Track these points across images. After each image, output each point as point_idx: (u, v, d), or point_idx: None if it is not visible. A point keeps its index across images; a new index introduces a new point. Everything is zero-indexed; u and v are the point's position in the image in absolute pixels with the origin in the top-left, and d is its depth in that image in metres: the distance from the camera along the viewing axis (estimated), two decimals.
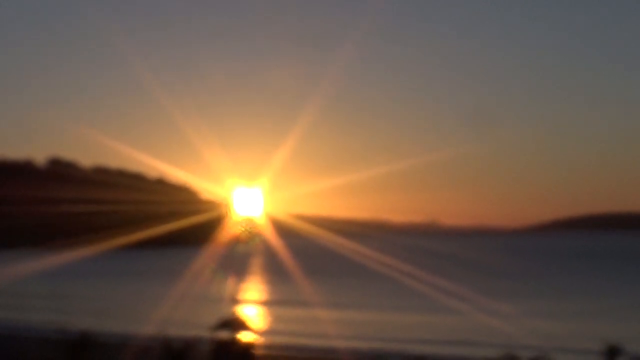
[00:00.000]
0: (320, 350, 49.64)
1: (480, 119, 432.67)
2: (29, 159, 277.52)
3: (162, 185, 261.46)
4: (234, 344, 40.21)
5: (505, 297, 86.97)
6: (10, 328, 60.35)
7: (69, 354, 37.67)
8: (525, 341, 49.38)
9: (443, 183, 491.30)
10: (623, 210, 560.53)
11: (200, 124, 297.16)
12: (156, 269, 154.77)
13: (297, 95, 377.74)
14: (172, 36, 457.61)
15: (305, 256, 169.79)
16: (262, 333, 55.95)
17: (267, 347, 49.73)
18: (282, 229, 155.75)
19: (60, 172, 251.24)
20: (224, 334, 40.40)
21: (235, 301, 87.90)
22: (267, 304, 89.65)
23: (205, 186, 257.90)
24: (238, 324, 40.97)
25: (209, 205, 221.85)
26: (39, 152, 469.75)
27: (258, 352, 42.10)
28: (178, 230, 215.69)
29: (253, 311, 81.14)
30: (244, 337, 40.68)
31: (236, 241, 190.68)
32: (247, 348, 40.62)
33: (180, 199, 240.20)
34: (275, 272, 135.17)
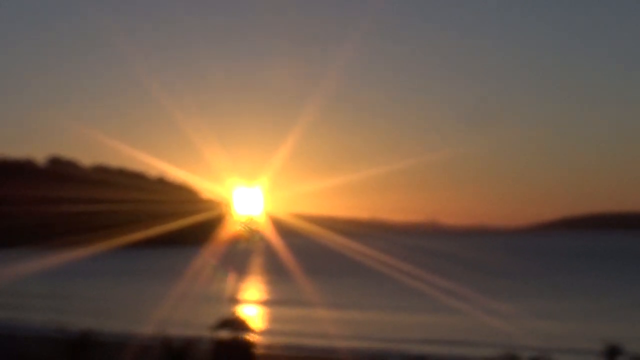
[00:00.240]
0: (320, 350, 49.65)
1: (480, 118, 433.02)
2: (29, 158, 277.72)
3: (162, 184, 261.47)
4: (234, 343, 40.21)
5: (505, 296, 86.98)
6: (10, 328, 60.34)
7: (69, 354, 37.67)
8: (525, 341, 49.39)
9: (443, 183, 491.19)
10: (623, 210, 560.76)
11: (200, 123, 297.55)
12: (156, 268, 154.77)
13: (297, 94, 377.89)
14: (172, 36, 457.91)
15: (306, 255, 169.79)
16: (262, 333, 55.96)
17: (267, 347, 49.74)
18: (282, 228, 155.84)
19: (60, 171, 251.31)
20: (224, 334, 40.40)
21: (235, 301, 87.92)
22: (267, 303, 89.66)
23: (205, 185, 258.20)
24: (238, 324, 40.97)
25: (209, 204, 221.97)
26: (39, 152, 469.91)
27: (258, 351, 42.10)
28: (178, 229, 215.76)
29: (253, 311, 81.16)
30: (244, 336, 40.68)
31: (236, 240, 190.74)
32: (247, 348, 40.62)
33: (181, 198, 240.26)
34: (275, 271, 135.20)
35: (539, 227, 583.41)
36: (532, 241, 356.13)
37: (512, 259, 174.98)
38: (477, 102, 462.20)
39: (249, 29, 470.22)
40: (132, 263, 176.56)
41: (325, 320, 64.67)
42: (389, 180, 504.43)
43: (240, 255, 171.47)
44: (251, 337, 41.28)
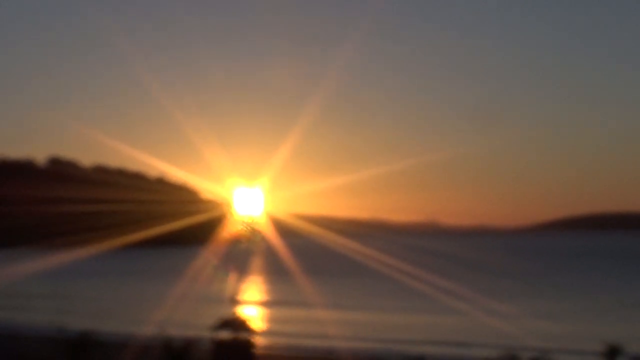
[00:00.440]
0: (321, 350, 49.65)
1: (481, 118, 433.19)
2: (29, 158, 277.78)
3: (162, 184, 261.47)
4: (234, 344, 40.22)
5: (505, 297, 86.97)
6: (11, 328, 60.35)
7: (69, 354, 37.70)
8: (526, 342, 49.38)
9: (443, 183, 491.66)
10: (623, 210, 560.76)
11: (200, 123, 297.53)
12: (157, 268, 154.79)
13: (297, 94, 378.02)
14: (172, 36, 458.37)
15: (306, 256, 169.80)
16: (262, 333, 55.96)
17: (268, 347, 49.76)
18: (283, 229, 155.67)
19: (60, 171, 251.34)
20: (224, 334, 40.41)
21: (235, 301, 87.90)
22: (267, 304, 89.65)
23: (205, 185, 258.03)
24: (238, 324, 40.98)
25: (210, 204, 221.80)
26: (39, 152, 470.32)
27: (258, 352, 42.11)
28: (178, 229, 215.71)
29: (253, 311, 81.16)
30: (244, 337, 40.69)
31: (237, 240, 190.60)
32: (248, 348, 40.63)
33: (181, 198, 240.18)
34: (275, 271, 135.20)
35: (539, 227, 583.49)
36: (532, 241, 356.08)
37: (512, 259, 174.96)
38: (477, 102, 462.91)
39: (249, 29, 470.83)
40: (132, 263, 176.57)
41: (326, 321, 64.66)
42: (389, 180, 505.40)
43: (241, 255, 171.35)
44: (251, 338, 41.29)
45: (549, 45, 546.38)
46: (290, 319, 73.09)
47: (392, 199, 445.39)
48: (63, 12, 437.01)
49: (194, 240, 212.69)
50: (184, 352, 36.45)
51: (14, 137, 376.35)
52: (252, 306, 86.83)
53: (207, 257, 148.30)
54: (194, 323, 56.51)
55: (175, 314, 66.47)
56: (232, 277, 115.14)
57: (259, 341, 45.72)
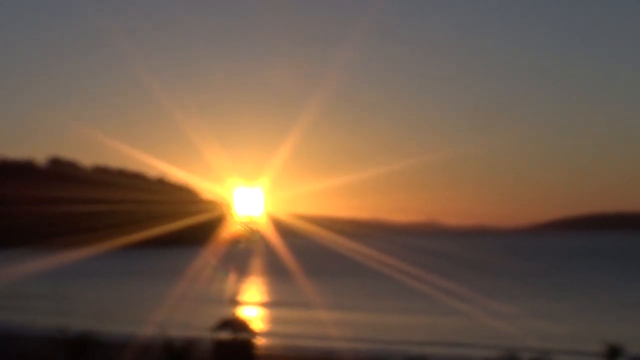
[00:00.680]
0: (321, 351, 49.62)
1: (481, 118, 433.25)
2: (29, 158, 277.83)
3: (162, 185, 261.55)
4: (234, 344, 40.20)
5: (505, 297, 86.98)
6: (11, 328, 60.32)
7: (69, 354, 37.68)
8: (526, 342, 49.37)
9: (443, 183, 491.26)
10: (623, 210, 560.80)
11: (200, 123, 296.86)
12: (157, 268, 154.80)
13: (297, 94, 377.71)
14: (172, 36, 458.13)
15: (306, 256, 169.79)
16: (262, 334, 55.93)
17: (268, 348, 49.73)
18: (283, 229, 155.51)
19: (60, 171, 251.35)
20: (224, 335, 40.39)
21: (235, 302, 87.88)
22: (267, 304, 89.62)
23: (205, 186, 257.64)
24: (238, 325, 40.97)
25: (210, 205, 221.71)
26: (39, 152, 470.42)
27: (258, 352, 42.09)
28: (179, 230, 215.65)
29: (253, 312, 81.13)
30: (244, 337, 40.67)
31: (237, 241, 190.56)
32: (248, 348, 40.61)
33: (181, 198, 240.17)
34: (275, 272, 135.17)
35: (539, 227, 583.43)
36: (532, 241, 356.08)
37: (512, 259, 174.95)
38: (477, 102, 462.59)
39: (249, 29, 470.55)
40: (132, 263, 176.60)
41: (326, 322, 64.64)
42: (390, 180, 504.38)
43: (241, 255, 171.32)
44: (252, 338, 41.26)
45: (549, 45, 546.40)
46: (291, 319, 73.08)
47: (392, 199, 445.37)
48: (63, 12, 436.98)
49: (194, 240, 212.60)
50: (184, 352, 36.45)
51: (14, 137, 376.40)
52: (252, 307, 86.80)
53: (207, 257, 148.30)
54: (194, 324, 56.47)
55: (175, 314, 66.44)
56: (232, 278, 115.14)
57: (259, 342, 45.71)
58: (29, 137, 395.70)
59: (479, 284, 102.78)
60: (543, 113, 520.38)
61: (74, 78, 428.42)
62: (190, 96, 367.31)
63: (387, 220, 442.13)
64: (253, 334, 41.42)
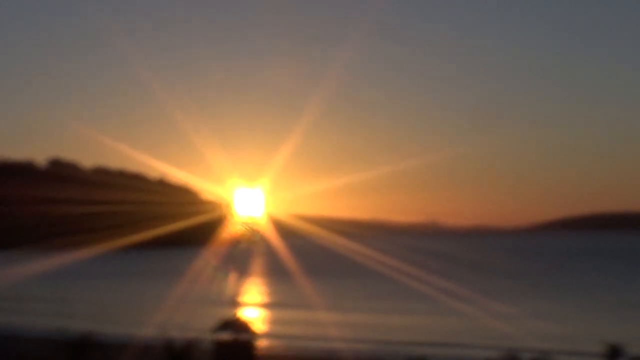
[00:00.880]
0: (322, 352, 49.60)
1: (481, 118, 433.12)
2: (30, 159, 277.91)
3: (163, 185, 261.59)
4: (235, 344, 40.21)
5: (506, 297, 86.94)
6: (11, 329, 60.32)
7: (69, 355, 37.71)
8: (526, 342, 49.38)
9: (443, 183, 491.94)
10: (623, 210, 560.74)
11: (201, 124, 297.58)
12: (157, 269, 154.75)
13: (298, 95, 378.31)
14: (172, 36, 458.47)
15: (306, 256, 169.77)
16: (263, 335, 55.93)
17: (268, 348, 49.74)
18: (283, 229, 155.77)
19: (61, 172, 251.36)
20: (225, 335, 40.40)
21: (236, 302, 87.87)
22: (268, 305, 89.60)
23: (206, 187, 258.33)
24: (239, 326, 40.98)
25: (210, 205, 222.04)
26: (39, 152, 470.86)
27: (259, 353, 42.10)
28: (179, 230, 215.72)
29: (254, 313, 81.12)
30: (245, 338, 40.68)
31: (237, 241, 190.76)
32: (248, 349, 40.62)
33: (181, 199, 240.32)
34: (276, 272, 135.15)
35: (539, 227, 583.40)
36: (532, 241, 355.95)
37: (512, 259, 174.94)
38: (477, 102, 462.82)
39: (249, 29, 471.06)
40: (132, 264, 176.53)
41: (326, 322, 64.64)
42: (390, 180, 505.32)
43: (241, 256, 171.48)
44: (252, 339, 41.27)
45: (549, 45, 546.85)
46: (291, 320, 73.06)
47: (392, 200, 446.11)
48: (63, 12, 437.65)
49: (194, 241, 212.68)
50: (184, 353, 36.47)
51: (14, 137, 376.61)
52: (253, 308, 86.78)
53: (207, 258, 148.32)
54: (194, 325, 56.44)
55: (176, 315, 66.42)
56: (232, 278, 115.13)
57: (259, 343, 45.70)
58: (29, 138, 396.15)
59: (479, 284, 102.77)
60: (543, 113, 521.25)
61: (74, 78, 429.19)
62: (190, 96, 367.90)
63: (388, 220, 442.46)
64: (253, 334, 41.44)
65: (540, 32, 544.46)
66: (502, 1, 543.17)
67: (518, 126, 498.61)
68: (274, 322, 73.25)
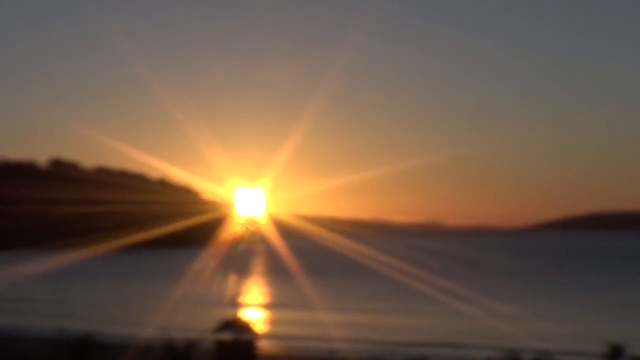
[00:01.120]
0: (322, 352, 49.61)
1: (481, 119, 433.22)
2: (30, 160, 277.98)
3: (163, 185, 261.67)
4: (236, 344, 40.20)
5: (507, 297, 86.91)
6: (11, 329, 60.31)
7: (70, 355, 37.68)
8: (527, 343, 49.37)
9: (444, 183, 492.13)
10: (623, 210, 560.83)
11: (201, 124, 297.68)
12: (158, 269, 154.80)
13: (298, 95, 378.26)
14: (172, 36, 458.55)
15: (307, 257, 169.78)
16: (263, 335, 55.92)
17: (269, 349, 49.74)
18: (284, 230, 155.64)
19: (61, 173, 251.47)
20: (225, 336, 40.40)
21: (236, 303, 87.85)
22: (269, 306, 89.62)
23: (207, 186, 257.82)
24: (240, 326, 40.97)
25: (211, 205, 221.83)
26: (40, 153, 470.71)
27: (260, 354, 42.09)
28: (180, 230, 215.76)
29: (254, 313, 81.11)
30: (246, 338, 40.67)
31: (238, 242, 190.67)
32: (249, 349, 40.61)
33: (182, 199, 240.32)
34: (277, 272, 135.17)
35: (539, 227, 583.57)
36: (532, 241, 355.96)
37: (513, 259, 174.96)
38: (477, 102, 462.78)
39: (249, 29, 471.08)
40: (133, 264, 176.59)
41: (327, 323, 64.62)
42: (390, 180, 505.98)
43: (242, 256, 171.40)
44: (253, 339, 41.27)
45: (549, 45, 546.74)
46: (292, 320, 73.05)
47: (393, 200, 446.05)
48: (63, 12, 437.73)
49: (195, 241, 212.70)
50: (185, 353, 36.45)
51: (14, 137, 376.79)
52: (254, 308, 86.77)
53: (208, 258, 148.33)
54: (194, 325, 56.45)
55: (176, 316, 66.42)
56: (233, 279, 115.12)
57: (260, 343, 45.69)
58: (30, 138, 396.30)
59: (480, 284, 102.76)
60: (543, 113, 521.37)
61: (74, 78, 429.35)
62: (191, 96, 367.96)
63: (388, 220, 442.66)
64: (254, 335, 41.43)
65: (540, 32, 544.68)
66: (502, 1, 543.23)
67: (518, 126, 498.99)
68: (274, 322, 73.24)
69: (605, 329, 60.57)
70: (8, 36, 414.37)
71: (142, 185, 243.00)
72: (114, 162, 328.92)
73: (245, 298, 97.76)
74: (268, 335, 59.31)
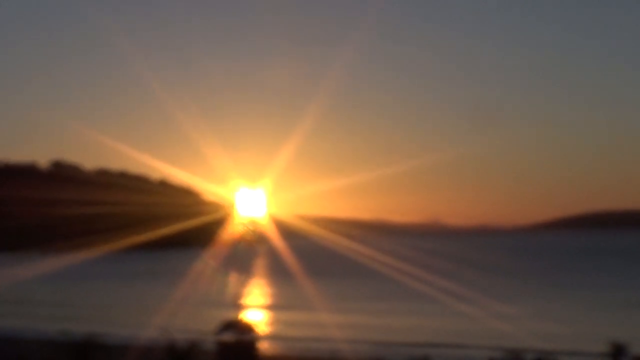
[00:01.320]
0: (324, 352, 49.62)
1: (482, 119, 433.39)
2: (32, 162, 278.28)
3: (164, 186, 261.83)
4: (238, 345, 40.24)
5: (508, 297, 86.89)
6: (11, 331, 60.33)
7: (72, 357, 37.71)
8: (529, 343, 49.37)
9: (445, 183, 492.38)
10: (623, 209, 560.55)
11: (202, 124, 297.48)
12: (159, 270, 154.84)
13: (298, 95, 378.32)
14: (172, 36, 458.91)
15: (309, 257, 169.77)
16: (265, 336, 55.95)
17: (271, 349, 49.76)
18: (286, 230, 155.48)
19: (63, 174, 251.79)
20: (227, 336, 40.44)
21: (238, 304, 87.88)
22: (270, 306, 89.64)
23: (208, 187, 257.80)
24: (241, 327, 41.01)
25: (212, 206, 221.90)
26: (41, 154, 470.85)
27: (262, 354, 42.13)
28: (181, 231, 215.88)
29: (256, 314, 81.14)
30: (247, 339, 40.71)
31: (239, 242, 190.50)
32: (251, 351, 40.66)
33: (183, 200, 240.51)
34: (278, 273, 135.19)
35: (540, 226, 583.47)
36: (533, 240, 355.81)
37: (514, 258, 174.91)
38: (477, 102, 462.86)
39: (249, 29, 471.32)
40: (134, 266, 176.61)
41: (329, 323, 64.64)
42: (392, 181, 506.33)
43: (243, 257, 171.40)
44: (255, 340, 41.31)
45: (549, 45, 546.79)
46: (293, 321, 73.06)
47: (394, 200, 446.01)
48: (63, 12, 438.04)
49: (196, 242, 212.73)
50: (186, 354, 36.48)
51: (15, 138, 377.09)
52: (255, 309, 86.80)
53: (209, 259, 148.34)
54: (196, 326, 56.50)
55: (177, 317, 66.45)
56: (234, 280, 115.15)
57: (262, 344, 45.72)
58: (30, 139, 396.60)
59: (481, 284, 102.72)
60: (543, 113, 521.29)
61: (74, 78, 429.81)
62: (191, 96, 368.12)
63: (390, 220, 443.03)
64: (256, 336, 41.46)
65: (540, 32, 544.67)
66: (502, 1, 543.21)
67: (518, 126, 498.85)
68: (276, 323, 73.26)
69: (607, 328, 60.56)
70: (8, 36, 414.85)
71: (143, 186, 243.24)
72: (115, 163, 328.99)
73: (246, 299, 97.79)
74: (270, 336, 59.34)
